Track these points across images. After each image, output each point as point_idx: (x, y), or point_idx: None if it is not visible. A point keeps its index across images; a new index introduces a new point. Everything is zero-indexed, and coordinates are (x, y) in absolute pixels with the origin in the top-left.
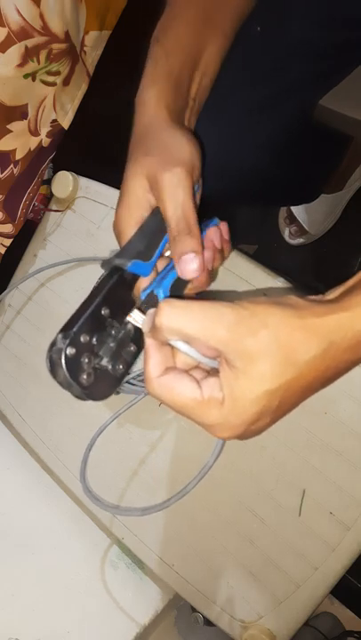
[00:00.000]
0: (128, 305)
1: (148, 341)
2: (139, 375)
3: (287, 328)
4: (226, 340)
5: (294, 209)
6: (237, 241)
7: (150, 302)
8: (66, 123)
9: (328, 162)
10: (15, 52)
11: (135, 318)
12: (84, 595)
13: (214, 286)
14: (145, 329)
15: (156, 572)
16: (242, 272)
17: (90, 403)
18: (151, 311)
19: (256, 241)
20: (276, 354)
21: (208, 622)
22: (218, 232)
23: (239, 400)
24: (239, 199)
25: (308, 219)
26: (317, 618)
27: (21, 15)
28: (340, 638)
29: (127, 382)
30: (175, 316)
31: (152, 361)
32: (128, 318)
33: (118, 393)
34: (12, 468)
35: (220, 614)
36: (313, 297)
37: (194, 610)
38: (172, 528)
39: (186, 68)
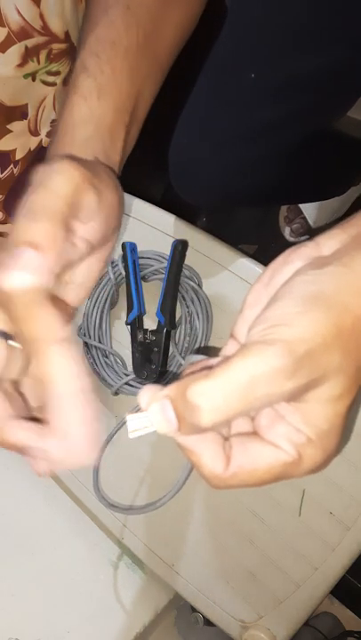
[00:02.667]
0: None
1: (186, 440)
2: (135, 377)
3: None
4: (291, 391)
5: (303, 204)
6: (237, 241)
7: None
8: None
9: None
10: (15, 52)
11: (139, 422)
12: (84, 595)
13: (214, 286)
14: (167, 429)
15: (156, 572)
16: (242, 272)
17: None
18: (159, 405)
19: (256, 241)
20: (344, 369)
21: (208, 622)
22: None
23: (327, 431)
24: (268, 198)
25: (317, 214)
26: (317, 618)
27: (21, 15)
28: (340, 638)
29: (126, 384)
30: (214, 392)
31: (206, 460)
32: (130, 426)
33: (117, 394)
34: (12, 468)
35: (220, 614)
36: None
37: (194, 610)
38: (173, 528)
39: (120, 121)
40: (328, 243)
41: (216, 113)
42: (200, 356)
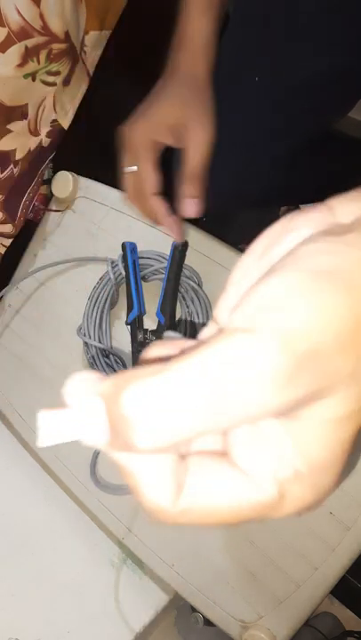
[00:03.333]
0: None
1: (120, 456)
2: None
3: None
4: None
5: (303, 204)
6: (237, 241)
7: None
8: (66, 123)
9: None
10: (15, 51)
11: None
12: (84, 595)
13: (214, 286)
14: (92, 441)
15: (156, 572)
16: None
17: None
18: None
19: None
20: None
21: (208, 622)
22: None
23: (323, 463)
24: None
25: None
26: (317, 618)
27: (21, 15)
28: (340, 638)
29: None
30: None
31: (146, 486)
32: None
33: None
34: (12, 468)
35: (221, 614)
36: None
37: (194, 610)
38: (172, 528)
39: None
40: (346, 207)
41: (219, 118)
42: (176, 334)
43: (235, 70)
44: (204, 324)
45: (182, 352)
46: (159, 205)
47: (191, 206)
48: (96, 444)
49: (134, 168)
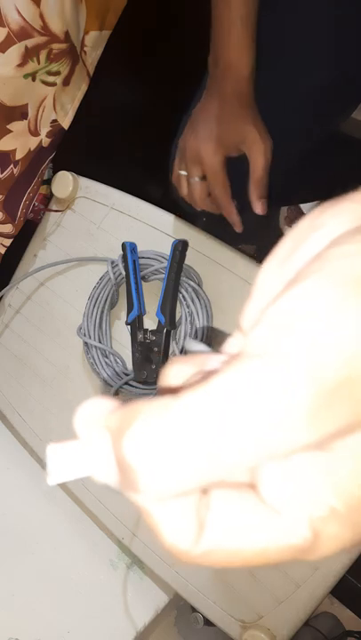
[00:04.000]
0: None
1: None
2: (135, 378)
3: None
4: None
5: (304, 205)
6: (237, 241)
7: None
8: (66, 123)
9: None
10: (15, 52)
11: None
12: (84, 595)
13: (214, 286)
14: (103, 479)
15: (156, 572)
16: (242, 272)
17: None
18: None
19: (256, 241)
20: None
21: (208, 622)
22: None
23: (359, 494)
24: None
25: None
26: (317, 618)
27: (21, 15)
28: (340, 638)
29: (126, 384)
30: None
31: (166, 527)
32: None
33: (117, 394)
34: (12, 468)
35: (221, 614)
36: None
37: (194, 610)
38: None
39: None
40: None
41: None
42: (200, 345)
43: None
44: (204, 325)
45: (201, 376)
46: (233, 206)
47: (260, 205)
48: (106, 482)
49: (197, 178)
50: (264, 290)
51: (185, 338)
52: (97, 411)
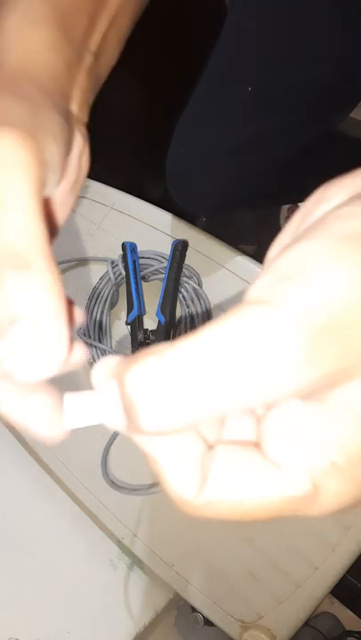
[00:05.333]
0: None
1: (145, 442)
2: None
3: None
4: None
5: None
6: (237, 241)
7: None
8: None
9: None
10: None
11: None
12: (84, 595)
13: (214, 286)
14: (113, 424)
15: (156, 572)
16: (242, 272)
17: None
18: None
19: (256, 241)
20: None
21: (208, 622)
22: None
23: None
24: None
25: None
26: (317, 618)
27: None
28: (340, 638)
29: None
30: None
31: (171, 475)
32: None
33: None
34: (12, 468)
35: (220, 614)
36: None
37: (194, 610)
38: (172, 528)
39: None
40: None
41: (212, 126)
42: None
43: (227, 79)
44: (203, 324)
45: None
46: None
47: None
48: (116, 427)
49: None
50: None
51: None
52: (108, 366)
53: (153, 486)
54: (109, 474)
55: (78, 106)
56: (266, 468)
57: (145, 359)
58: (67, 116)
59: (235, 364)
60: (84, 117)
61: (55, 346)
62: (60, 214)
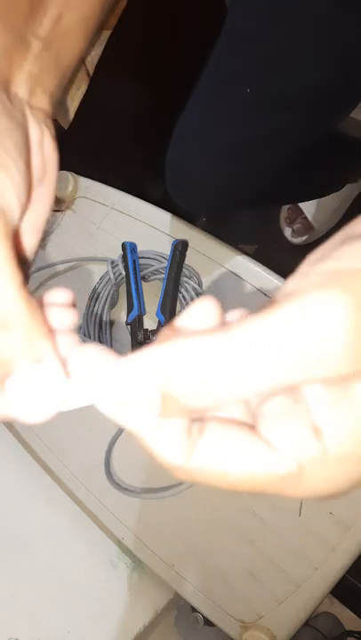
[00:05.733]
0: None
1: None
2: None
3: None
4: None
5: (302, 203)
6: (237, 241)
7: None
8: (66, 123)
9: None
10: None
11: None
12: (84, 595)
13: (215, 286)
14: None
15: (156, 572)
16: (242, 272)
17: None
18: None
19: (256, 241)
20: None
21: (208, 622)
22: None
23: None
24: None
25: (318, 214)
26: (317, 618)
27: None
28: (340, 638)
29: None
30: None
31: (158, 443)
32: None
33: None
34: (12, 468)
35: (220, 614)
36: None
37: (194, 610)
38: (172, 528)
39: None
40: None
41: (211, 126)
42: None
43: (226, 79)
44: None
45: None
46: None
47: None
48: (113, 406)
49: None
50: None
51: None
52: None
53: (158, 490)
54: (114, 475)
55: (28, 90)
56: (256, 443)
57: (191, 342)
58: (6, 103)
59: (301, 336)
60: (42, 104)
61: (53, 388)
62: (38, 219)
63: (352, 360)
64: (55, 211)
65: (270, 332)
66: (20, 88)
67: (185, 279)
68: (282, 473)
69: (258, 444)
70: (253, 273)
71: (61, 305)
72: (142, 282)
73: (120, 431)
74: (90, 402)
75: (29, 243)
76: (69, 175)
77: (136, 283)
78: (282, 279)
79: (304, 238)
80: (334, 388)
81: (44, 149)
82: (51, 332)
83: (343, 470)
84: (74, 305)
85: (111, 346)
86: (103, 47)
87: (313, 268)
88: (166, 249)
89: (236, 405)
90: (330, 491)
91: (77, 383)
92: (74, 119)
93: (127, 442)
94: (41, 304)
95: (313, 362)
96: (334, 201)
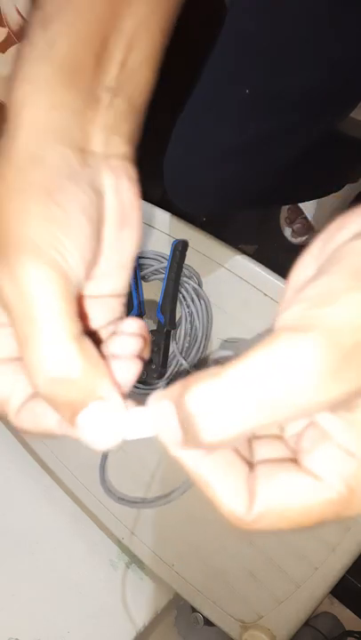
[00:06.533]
0: None
1: (196, 467)
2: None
3: None
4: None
5: (302, 203)
6: (237, 241)
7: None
8: None
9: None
10: (15, 52)
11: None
12: (84, 595)
13: (214, 286)
14: (167, 438)
15: (156, 572)
16: (242, 272)
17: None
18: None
19: (256, 241)
20: None
21: (208, 622)
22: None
23: None
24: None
25: (318, 213)
26: (317, 618)
27: (21, 15)
28: (340, 638)
29: None
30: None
31: (222, 495)
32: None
33: None
34: (12, 468)
35: (220, 614)
36: None
37: (194, 610)
38: (172, 528)
39: (90, 36)
40: None
41: (211, 126)
42: (227, 352)
43: (226, 79)
44: (203, 324)
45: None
46: None
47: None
48: (169, 442)
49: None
50: (296, 285)
51: (185, 338)
52: (163, 392)
53: (149, 500)
54: (107, 482)
55: (104, 143)
56: (305, 478)
57: (202, 380)
58: (74, 166)
59: (276, 382)
60: (120, 149)
61: (116, 421)
62: (124, 258)
63: (339, 393)
64: None
65: (249, 378)
66: (96, 144)
67: (185, 279)
68: (334, 497)
69: (307, 477)
70: (253, 273)
71: (131, 335)
72: (142, 282)
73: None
74: (149, 434)
75: (119, 279)
76: None
77: (136, 283)
78: (282, 279)
79: (304, 238)
80: (342, 412)
81: (122, 195)
82: (110, 364)
83: None
84: (144, 336)
85: None
86: None
87: (302, 291)
88: (166, 249)
89: (270, 442)
90: None
91: (136, 415)
92: None
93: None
94: (99, 338)
95: (292, 405)
96: (334, 201)
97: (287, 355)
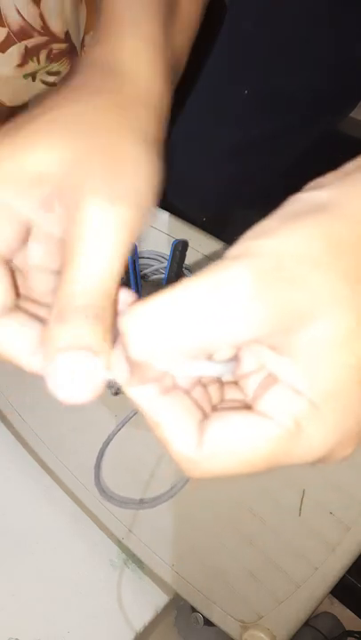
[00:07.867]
0: None
1: (149, 404)
2: None
3: None
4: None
5: None
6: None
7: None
8: None
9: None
10: (15, 52)
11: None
12: (84, 595)
13: None
14: (122, 377)
15: (156, 572)
16: None
17: (90, 403)
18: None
19: None
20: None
21: (208, 622)
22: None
23: (337, 391)
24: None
25: None
26: (317, 618)
27: (21, 15)
28: (340, 638)
29: None
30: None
31: (171, 433)
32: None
33: (117, 394)
34: (12, 468)
35: (220, 614)
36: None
37: (194, 610)
38: (172, 528)
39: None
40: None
41: (211, 126)
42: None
43: (226, 79)
44: None
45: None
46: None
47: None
48: (123, 377)
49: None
50: None
51: None
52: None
53: (143, 502)
54: (102, 482)
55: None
56: (255, 418)
57: (138, 304)
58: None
59: (203, 302)
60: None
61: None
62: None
63: (263, 316)
64: None
65: (178, 299)
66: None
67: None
68: (283, 433)
69: (257, 417)
70: None
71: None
72: (142, 282)
73: (109, 440)
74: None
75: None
76: None
77: (136, 283)
78: None
79: None
80: (281, 348)
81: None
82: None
83: (334, 422)
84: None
85: None
86: None
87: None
88: (166, 249)
89: (236, 396)
90: (330, 445)
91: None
92: None
93: (119, 449)
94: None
95: (220, 325)
96: None
97: (216, 278)
